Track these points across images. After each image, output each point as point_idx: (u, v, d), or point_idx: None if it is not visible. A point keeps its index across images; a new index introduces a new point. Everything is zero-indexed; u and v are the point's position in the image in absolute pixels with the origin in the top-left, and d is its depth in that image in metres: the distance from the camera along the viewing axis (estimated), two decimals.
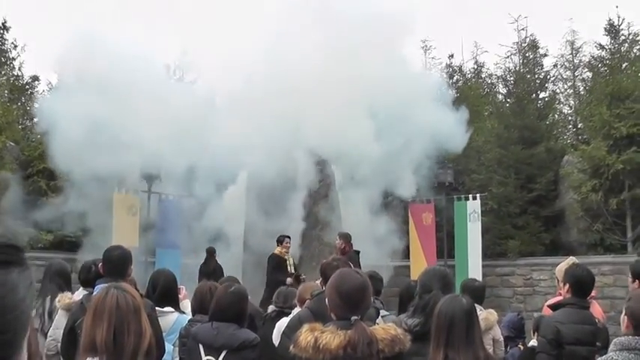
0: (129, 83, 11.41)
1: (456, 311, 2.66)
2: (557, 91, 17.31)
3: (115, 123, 11.11)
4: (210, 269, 10.67)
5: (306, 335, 2.36)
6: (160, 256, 12.67)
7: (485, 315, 4.75)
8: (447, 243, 13.12)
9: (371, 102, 12.07)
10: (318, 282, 4.49)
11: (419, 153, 12.36)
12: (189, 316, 4.36)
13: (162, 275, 4.45)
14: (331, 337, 2.32)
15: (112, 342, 2.14)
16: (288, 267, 9.67)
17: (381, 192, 12.91)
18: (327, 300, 2.53)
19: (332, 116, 10.98)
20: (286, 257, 9.73)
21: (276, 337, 4.41)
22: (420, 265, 12.23)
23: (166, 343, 3.86)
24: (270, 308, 5.27)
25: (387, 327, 2.46)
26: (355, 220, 11.63)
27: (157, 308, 3.91)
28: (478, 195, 13.10)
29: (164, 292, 4.28)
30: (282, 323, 4.32)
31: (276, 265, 9.62)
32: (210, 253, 11.37)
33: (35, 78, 16.24)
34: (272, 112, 11.34)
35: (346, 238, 8.80)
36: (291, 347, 2.41)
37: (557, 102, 16.89)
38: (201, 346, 3.58)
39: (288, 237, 10.03)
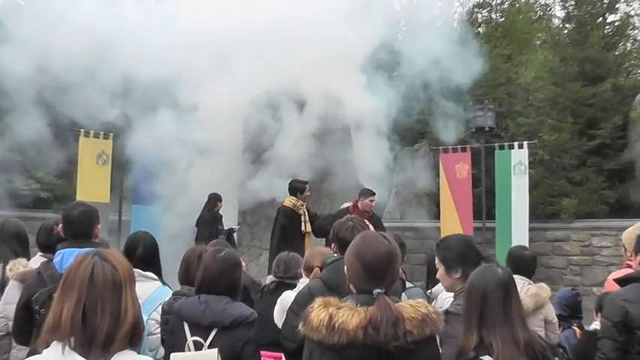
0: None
1: (489, 284, 2.70)
2: (632, 13, 16.77)
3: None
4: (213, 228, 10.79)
5: (318, 312, 2.36)
6: (137, 214, 12.86)
7: (536, 290, 4.74)
8: (485, 201, 13.15)
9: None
10: (326, 248, 4.55)
11: (442, 91, 12.57)
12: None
13: (140, 240, 4.42)
14: (349, 314, 2.32)
15: (81, 322, 2.07)
16: (302, 225, 9.35)
17: (405, 139, 13.13)
18: (346, 269, 2.53)
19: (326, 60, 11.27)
20: (301, 211, 9.36)
21: (278, 314, 4.47)
22: (452, 226, 12.32)
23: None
24: (269, 279, 5.30)
25: (416, 304, 2.45)
26: (373, 172, 11.90)
27: (136, 270, 3.86)
28: (525, 143, 13.02)
29: (143, 259, 4.28)
30: (286, 297, 4.39)
31: (288, 223, 9.28)
32: (210, 198, 11.18)
33: None
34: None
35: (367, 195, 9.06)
36: (300, 326, 2.40)
37: (630, 27, 16.27)
38: (186, 325, 3.58)
39: (306, 183, 9.68)
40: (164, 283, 4.34)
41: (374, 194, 9.09)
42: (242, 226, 11.73)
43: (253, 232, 11.74)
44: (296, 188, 9.37)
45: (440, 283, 3.75)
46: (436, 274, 3.48)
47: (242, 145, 12.01)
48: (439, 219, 13.55)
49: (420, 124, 15.03)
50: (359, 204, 9.01)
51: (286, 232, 9.19)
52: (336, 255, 3.83)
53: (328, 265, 3.68)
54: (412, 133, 15.22)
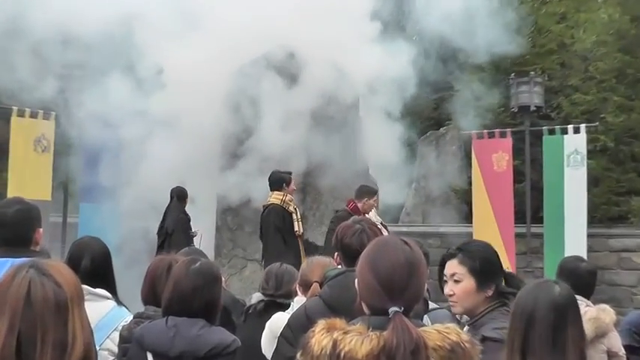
0: None
1: (539, 303, 2.72)
2: None
3: None
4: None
5: (320, 337, 2.36)
6: (86, 215, 12.80)
7: (595, 313, 4.71)
8: (531, 200, 13.06)
9: None
10: (326, 258, 4.58)
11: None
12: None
13: (87, 248, 4.42)
14: (358, 340, 2.30)
15: (14, 356, 2.01)
16: (295, 224, 9.59)
17: (428, 120, 13.41)
18: (356, 282, 2.55)
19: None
20: (291, 208, 9.63)
21: (267, 342, 4.47)
22: (487, 231, 12.29)
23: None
24: (255, 297, 5.35)
25: (445, 329, 2.40)
26: (386, 162, 12.03)
27: (84, 287, 3.87)
28: (583, 126, 12.98)
29: (91, 272, 4.26)
30: (277, 320, 4.38)
31: (281, 224, 9.48)
32: (180, 196, 11.37)
33: None
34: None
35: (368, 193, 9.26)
36: (298, 356, 2.40)
37: None
38: (150, 356, 3.57)
39: (291, 173, 9.99)
40: (120, 303, 4.33)
41: (377, 192, 9.29)
42: (222, 230, 11.79)
43: (235, 238, 11.78)
44: (281, 180, 9.53)
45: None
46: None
47: (222, 126, 11.99)
48: (471, 222, 13.49)
49: (448, 102, 15.05)
50: (359, 205, 9.13)
51: (281, 237, 9.44)
52: (340, 267, 3.86)
53: (330, 280, 3.71)
54: (437, 114, 15.32)
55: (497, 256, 3.52)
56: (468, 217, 13.73)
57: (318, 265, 4.59)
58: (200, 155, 12.13)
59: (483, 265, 3.45)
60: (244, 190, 11.24)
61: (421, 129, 14.91)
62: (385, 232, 3.90)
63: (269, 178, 9.71)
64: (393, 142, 12.74)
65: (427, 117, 14.80)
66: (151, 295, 4.18)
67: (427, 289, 4.38)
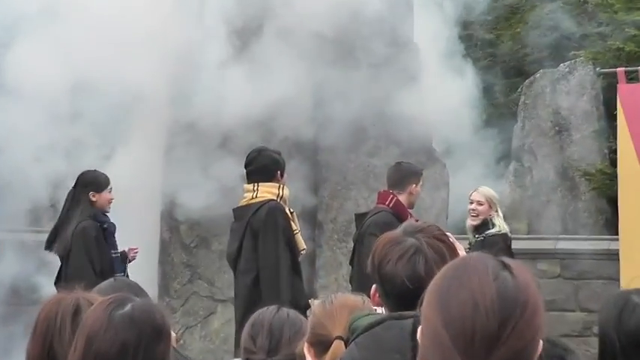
0: None
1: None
2: None
3: None
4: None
5: None
6: None
7: None
8: None
9: None
10: (355, 296, 3.70)
11: None
12: None
13: None
14: None
15: None
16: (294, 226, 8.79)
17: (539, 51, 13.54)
18: (418, 334, 1.98)
19: None
20: (286, 206, 8.62)
21: None
22: None
23: None
24: None
25: None
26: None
27: None
28: None
29: None
30: None
31: (290, 234, 8.40)
32: (89, 184, 8.82)
33: None
34: None
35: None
36: None
37: None
38: None
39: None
40: None
41: (422, 173, 8.60)
42: (170, 249, 10.13)
43: (195, 262, 9.94)
44: (276, 163, 8.43)
45: None
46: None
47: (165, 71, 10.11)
48: (614, 232, 10.78)
49: (572, 26, 13.58)
50: (403, 198, 8.03)
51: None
52: (378, 310, 3.22)
53: (361, 335, 2.94)
54: (554, 43, 13.90)
55: None
56: (609, 222, 11.54)
57: (342, 309, 3.44)
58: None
59: None
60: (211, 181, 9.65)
61: (527, 67, 13.63)
62: (461, 251, 3.34)
63: (258, 161, 8.31)
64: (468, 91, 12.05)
65: (536, 45, 13.72)
66: (42, 358, 3.40)
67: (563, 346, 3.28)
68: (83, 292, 3.59)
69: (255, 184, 8.14)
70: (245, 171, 8.28)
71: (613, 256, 10.23)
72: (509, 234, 8.58)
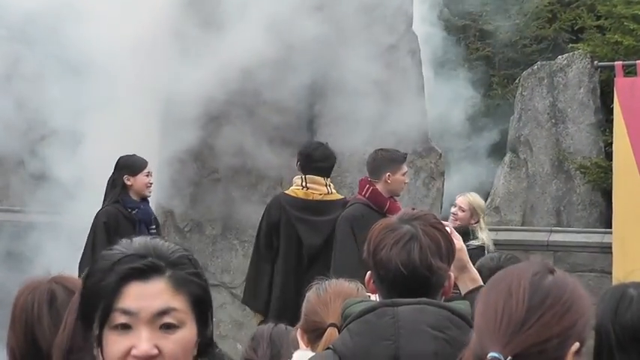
0: None
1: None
2: None
3: None
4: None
5: None
6: None
7: None
8: None
9: None
10: (350, 283, 3.80)
11: None
12: None
13: None
14: None
15: None
16: None
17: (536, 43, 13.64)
18: (476, 314, 2.18)
19: None
20: None
21: None
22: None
23: None
24: None
25: None
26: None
27: None
28: None
29: None
30: None
31: None
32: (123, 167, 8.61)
33: None
34: None
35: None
36: None
37: None
38: None
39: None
40: None
41: (405, 159, 8.27)
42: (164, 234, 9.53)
43: (190, 246, 9.04)
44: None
45: None
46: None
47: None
48: (608, 225, 10.88)
49: (568, 14, 13.82)
50: (380, 187, 7.81)
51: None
52: (371, 296, 3.24)
53: (353, 321, 2.96)
54: (552, 32, 14.14)
55: None
56: (603, 215, 11.68)
57: (336, 297, 3.62)
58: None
59: None
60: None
61: (524, 58, 13.53)
62: (457, 241, 3.31)
63: (330, 157, 8.35)
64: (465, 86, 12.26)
65: (535, 36, 13.51)
66: (26, 348, 3.27)
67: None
68: (56, 277, 3.53)
69: (327, 179, 8.11)
70: (316, 165, 8.11)
71: (606, 249, 10.38)
72: (491, 247, 8.40)
